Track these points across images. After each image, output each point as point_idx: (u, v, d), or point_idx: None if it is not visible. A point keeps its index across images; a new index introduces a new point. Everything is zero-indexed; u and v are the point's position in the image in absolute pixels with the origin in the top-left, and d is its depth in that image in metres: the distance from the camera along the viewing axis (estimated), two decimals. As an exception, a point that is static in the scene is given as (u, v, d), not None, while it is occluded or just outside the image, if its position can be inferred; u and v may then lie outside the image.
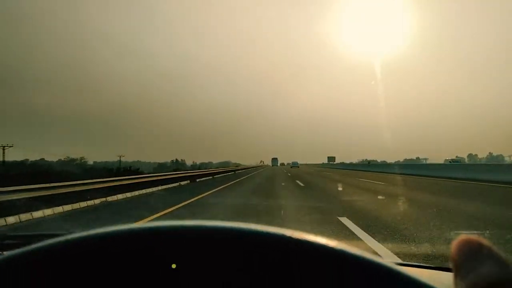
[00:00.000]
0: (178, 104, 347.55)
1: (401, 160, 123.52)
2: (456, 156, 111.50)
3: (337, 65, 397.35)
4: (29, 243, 0.36)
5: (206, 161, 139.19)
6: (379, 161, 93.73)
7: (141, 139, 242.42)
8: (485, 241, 0.32)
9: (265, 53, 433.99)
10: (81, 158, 72.72)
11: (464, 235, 0.33)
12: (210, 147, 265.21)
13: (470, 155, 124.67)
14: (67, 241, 0.39)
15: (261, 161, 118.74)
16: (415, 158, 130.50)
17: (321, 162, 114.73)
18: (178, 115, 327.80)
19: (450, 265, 0.33)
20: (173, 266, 0.37)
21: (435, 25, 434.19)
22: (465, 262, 0.31)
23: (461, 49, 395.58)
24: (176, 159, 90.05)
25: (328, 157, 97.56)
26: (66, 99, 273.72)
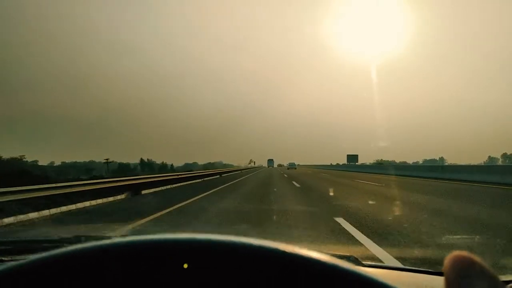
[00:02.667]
0: (168, 103, 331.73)
1: (420, 161, 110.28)
2: (489, 157, 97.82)
3: (340, 65, 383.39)
4: (25, 248, 0.34)
5: (190, 161, 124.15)
6: (397, 161, 79.73)
7: (118, 139, 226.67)
8: (477, 258, 0.34)
9: (261, 52, 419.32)
10: (21, 157, 58.03)
11: (456, 252, 0.35)
12: (201, 147, 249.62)
13: (504, 155, 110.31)
14: (73, 252, 0.40)
15: (251, 161, 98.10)
16: (437, 159, 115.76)
17: (329, 163, 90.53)
18: (169, 115, 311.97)
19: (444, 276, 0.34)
20: (185, 266, 0.39)
21: (447, 20, 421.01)
22: (457, 279, 0.33)
23: (486, 44, 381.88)
24: (142, 159, 74.89)
25: (348, 155, 73.22)
26: (43, 99, 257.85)
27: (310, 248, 0.40)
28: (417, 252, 3.34)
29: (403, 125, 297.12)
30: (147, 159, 77.31)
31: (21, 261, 0.40)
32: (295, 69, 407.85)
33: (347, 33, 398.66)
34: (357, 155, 73.86)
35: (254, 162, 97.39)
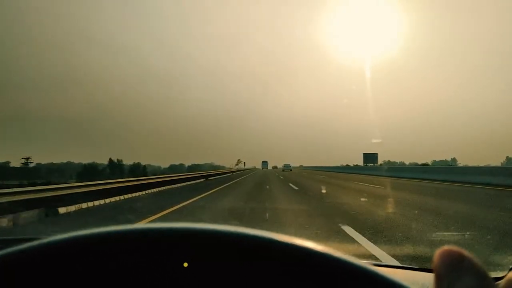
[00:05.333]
0: (159, 103, 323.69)
1: (430, 162, 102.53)
2: (507, 157, 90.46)
3: (342, 65, 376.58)
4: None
5: (177, 163, 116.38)
6: (407, 163, 72.06)
7: (104, 140, 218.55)
8: (467, 253, 0.35)
9: (254, 52, 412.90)
10: None
11: (446, 246, 0.35)
12: (191, 148, 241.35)
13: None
14: (62, 241, 0.40)
15: (239, 162, 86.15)
16: (449, 160, 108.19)
17: (338, 165, 75.73)
18: (158, 115, 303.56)
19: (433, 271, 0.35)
20: (185, 265, 0.39)
21: (455, 13, 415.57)
22: (447, 273, 0.34)
23: (498, 39, 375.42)
24: (111, 159, 66.64)
25: (364, 155, 59.56)
26: (22, 98, 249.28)
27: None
28: (410, 250, 3.70)
29: (411, 125, 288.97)
30: (117, 159, 69.36)
31: (18, 247, 0.40)
32: (290, 69, 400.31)
33: (344, 33, 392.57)
34: (376, 154, 60.88)
35: (244, 163, 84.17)
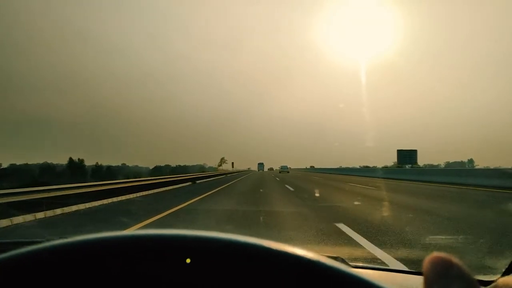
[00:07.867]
0: (154, 104, 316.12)
1: (442, 164, 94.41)
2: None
3: (347, 65, 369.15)
4: (10, 250, 0.36)
5: (162, 164, 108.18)
6: (421, 165, 64.21)
7: (90, 140, 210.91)
8: (455, 259, 0.36)
9: (251, 53, 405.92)
10: None
11: (436, 253, 0.37)
12: (185, 149, 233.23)
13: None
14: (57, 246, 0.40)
15: (222, 162, 74.55)
16: (466, 161, 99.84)
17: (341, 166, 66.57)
18: (153, 115, 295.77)
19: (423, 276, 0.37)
20: (188, 260, 0.40)
21: (461, 11, 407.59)
22: (436, 280, 0.35)
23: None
24: (71, 158, 58.77)
25: (398, 152, 44.26)
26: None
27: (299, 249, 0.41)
28: (403, 253, 3.78)
29: (418, 125, 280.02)
30: (78, 159, 61.62)
31: (19, 251, 0.40)
32: (291, 70, 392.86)
33: (341, 35, 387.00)
34: (414, 152, 47.56)
35: (233, 163, 70.66)
